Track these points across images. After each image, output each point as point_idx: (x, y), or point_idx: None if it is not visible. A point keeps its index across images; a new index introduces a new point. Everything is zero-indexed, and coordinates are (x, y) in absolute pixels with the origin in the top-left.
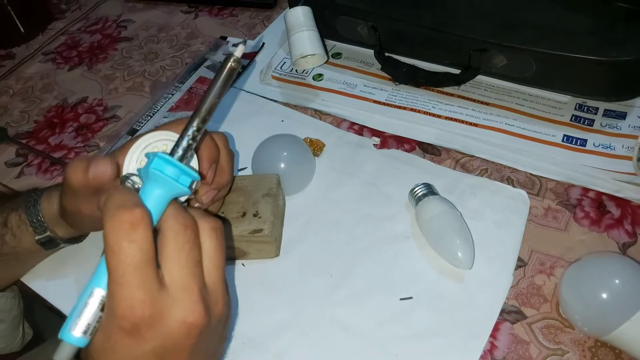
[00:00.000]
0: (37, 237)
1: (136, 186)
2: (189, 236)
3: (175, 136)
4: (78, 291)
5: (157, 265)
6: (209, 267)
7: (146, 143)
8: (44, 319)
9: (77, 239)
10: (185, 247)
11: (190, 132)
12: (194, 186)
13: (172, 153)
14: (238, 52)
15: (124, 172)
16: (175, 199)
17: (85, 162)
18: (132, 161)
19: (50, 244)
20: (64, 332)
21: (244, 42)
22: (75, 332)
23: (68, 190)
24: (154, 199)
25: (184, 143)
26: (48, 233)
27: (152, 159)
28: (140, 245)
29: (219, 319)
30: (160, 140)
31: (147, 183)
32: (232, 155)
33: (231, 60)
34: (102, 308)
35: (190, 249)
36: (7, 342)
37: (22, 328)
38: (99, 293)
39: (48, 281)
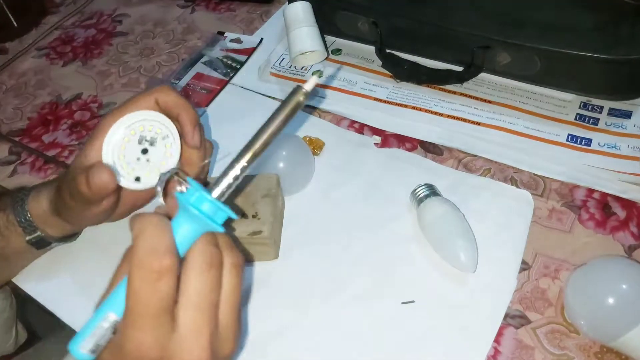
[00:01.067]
0: (27, 238)
1: (181, 187)
2: (212, 277)
3: (154, 115)
4: (71, 293)
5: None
6: (226, 308)
7: (125, 125)
8: (38, 320)
9: (69, 237)
10: (205, 289)
11: (238, 169)
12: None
13: (213, 187)
14: (309, 85)
15: (104, 160)
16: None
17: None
18: (109, 151)
19: (41, 244)
20: (73, 347)
21: (320, 75)
22: (84, 349)
23: (76, 195)
24: (185, 231)
25: (229, 180)
26: (38, 233)
27: (193, 193)
28: (162, 295)
29: (226, 358)
30: (139, 122)
31: (182, 214)
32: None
33: (301, 93)
34: (114, 331)
35: (210, 291)
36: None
37: (14, 330)
38: (112, 317)
39: (42, 283)
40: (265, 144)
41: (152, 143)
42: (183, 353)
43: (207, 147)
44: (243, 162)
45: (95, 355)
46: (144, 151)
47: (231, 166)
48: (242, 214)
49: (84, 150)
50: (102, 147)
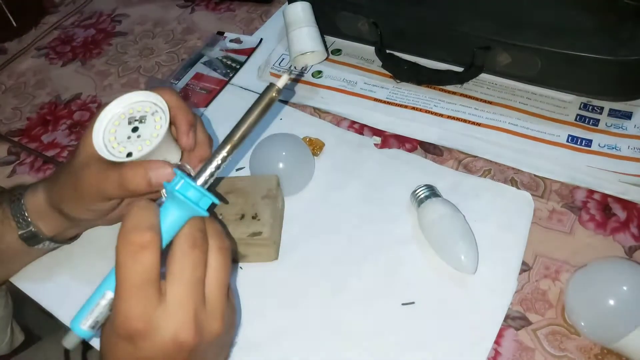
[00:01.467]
0: (20, 232)
1: (185, 180)
2: (195, 255)
3: (142, 96)
4: (70, 295)
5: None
6: (211, 285)
7: (113, 110)
8: (35, 321)
9: (64, 239)
10: (189, 266)
11: (220, 158)
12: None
13: (197, 175)
14: (281, 82)
15: (95, 144)
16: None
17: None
18: (99, 136)
19: (33, 240)
20: (75, 324)
21: (289, 72)
22: (84, 325)
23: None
24: (173, 216)
25: (211, 169)
26: (31, 228)
27: (179, 181)
28: (144, 266)
29: (214, 336)
30: (128, 105)
31: (169, 201)
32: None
33: (273, 90)
34: (110, 308)
35: (194, 268)
36: None
37: (10, 330)
38: (109, 295)
39: (40, 284)
40: (243, 136)
41: (141, 121)
42: (168, 324)
43: (208, 143)
44: (223, 152)
45: (94, 331)
46: (134, 129)
47: (213, 157)
48: (225, 200)
49: (83, 142)
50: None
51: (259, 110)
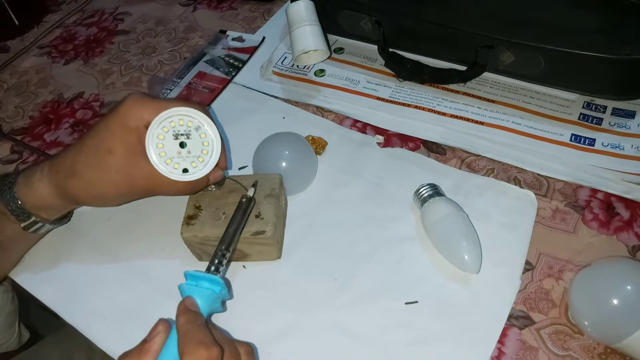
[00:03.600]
0: (22, 225)
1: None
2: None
3: (179, 110)
4: (71, 292)
5: None
6: None
7: (155, 125)
8: (40, 320)
9: (62, 219)
10: None
11: (218, 257)
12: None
13: (209, 269)
14: (250, 192)
15: (151, 159)
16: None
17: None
18: (151, 145)
19: (34, 227)
20: None
21: (255, 185)
22: None
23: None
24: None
25: (219, 262)
26: (33, 219)
27: (201, 279)
28: None
29: None
30: (167, 119)
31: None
32: (224, 151)
33: (244, 201)
34: None
35: None
36: (3, 339)
37: (17, 326)
38: None
39: (42, 281)
40: (234, 237)
41: (187, 136)
42: None
43: (214, 179)
44: (221, 252)
45: None
46: (182, 145)
47: (215, 257)
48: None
49: (113, 138)
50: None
51: (239, 217)
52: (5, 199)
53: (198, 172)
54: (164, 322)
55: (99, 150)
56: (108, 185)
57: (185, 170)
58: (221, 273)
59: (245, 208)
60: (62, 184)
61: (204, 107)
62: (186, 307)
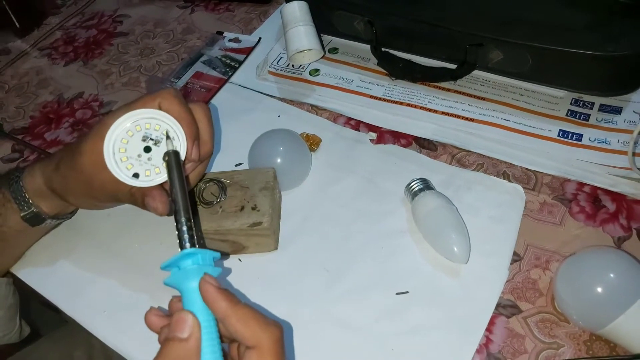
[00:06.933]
0: (22, 214)
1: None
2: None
3: (163, 116)
4: (72, 285)
5: None
6: None
7: (132, 119)
8: (40, 316)
9: (64, 215)
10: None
11: (184, 224)
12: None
13: (182, 247)
14: (169, 145)
15: (105, 149)
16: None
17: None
18: (111, 141)
19: (35, 220)
20: None
21: (167, 135)
22: None
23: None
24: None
25: (187, 233)
26: (33, 209)
27: (178, 260)
28: None
29: None
30: (147, 119)
31: (184, 282)
32: (211, 125)
33: (168, 159)
34: None
35: None
36: (4, 332)
37: (18, 319)
38: None
39: (43, 276)
40: (184, 198)
41: (156, 143)
42: None
43: (202, 153)
44: (182, 220)
45: None
46: (147, 149)
47: (180, 225)
48: (241, 208)
49: (91, 146)
50: (104, 138)
51: (176, 176)
52: (12, 187)
53: (148, 181)
54: (189, 314)
55: (75, 149)
56: (76, 183)
57: (135, 175)
58: (195, 242)
59: (175, 163)
60: (48, 176)
61: (204, 104)
62: (218, 288)
